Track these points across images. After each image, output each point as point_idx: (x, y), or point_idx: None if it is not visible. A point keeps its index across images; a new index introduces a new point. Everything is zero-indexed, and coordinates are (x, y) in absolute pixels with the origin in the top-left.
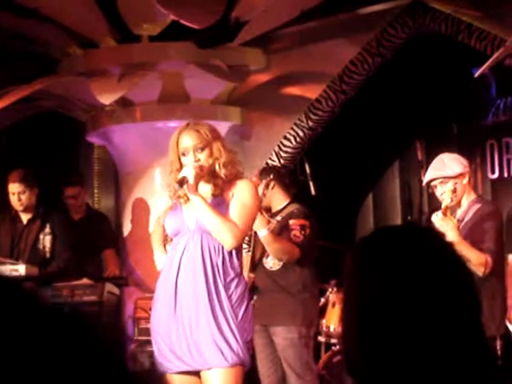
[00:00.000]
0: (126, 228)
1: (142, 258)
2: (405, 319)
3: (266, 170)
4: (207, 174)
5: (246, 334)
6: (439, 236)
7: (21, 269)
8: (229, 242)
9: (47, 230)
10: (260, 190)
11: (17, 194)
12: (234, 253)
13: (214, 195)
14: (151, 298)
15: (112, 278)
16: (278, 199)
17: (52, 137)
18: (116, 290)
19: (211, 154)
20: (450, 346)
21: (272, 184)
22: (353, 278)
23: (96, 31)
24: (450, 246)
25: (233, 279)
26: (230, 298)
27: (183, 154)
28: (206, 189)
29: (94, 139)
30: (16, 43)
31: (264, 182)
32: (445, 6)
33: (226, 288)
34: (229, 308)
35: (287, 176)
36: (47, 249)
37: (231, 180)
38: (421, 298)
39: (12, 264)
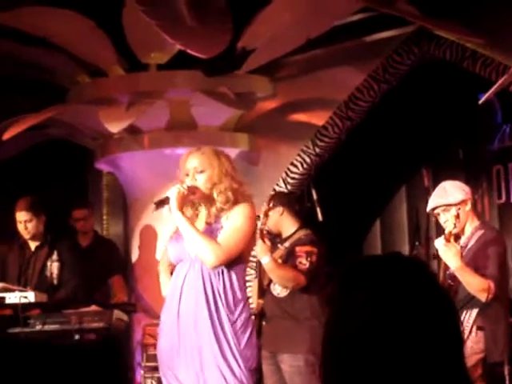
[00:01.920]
0: (135, 254)
1: (150, 284)
2: (383, 349)
3: (276, 196)
4: (203, 198)
5: (249, 361)
6: (423, 266)
7: (30, 296)
8: (209, 261)
9: (55, 256)
10: (260, 216)
11: (23, 222)
12: (234, 278)
13: (206, 223)
14: (159, 325)
15: (120, 305)
16: (288, 225)
17: (61, 164)
18: (124, 317)
19: (210, 179)
20: (429, 377)
21: (281, 210)
22: (334, 306)
23: (104, 60)
24: (432, 277)
25: (236, 305)
26: (233, 324)
27: (187, 175)
28: (201, 215)
29: (102, 166)
30: (25, 72)
31: (263, 209)
32: (449, 34)
33: (229, 314)
34: (232, 334)
35: (297, 202)
36: (55, 275)
37: (231, 207)
38: (400, 328)
39: (21, 291)
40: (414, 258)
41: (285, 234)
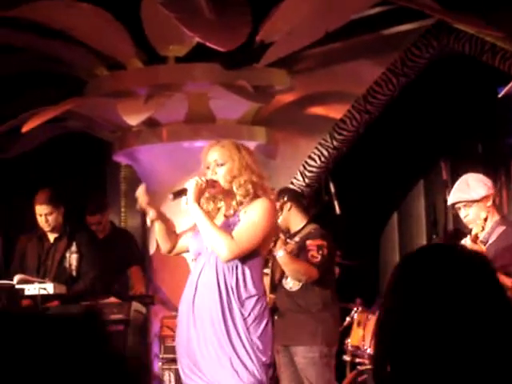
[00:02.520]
0: (152, 247)
1: (168, 276)
2: (439, 337)
3: (283, 192)
4: (223, 192)
5: (262, 355)
6: (482, 259)
7: (49, 287)
8: (223, 254)
9: (73, 248)
10: None
11: (44, 215)
12: (248, 273)
13: (225, 216)
14: (177, 317)
15: (138, 297)
16: (296, 220)
17: (79, 157)
18: (142, 309)
19: (230, 172)
20: (482, 365)
21: (289, 206)
22: (392, 293)
23: (123, 53)
24: (492, 271)
25: (248, 300)
26: (245, 319)
27: (208, 168)
28: (222, 210)
29: (120, 159)
30: (43, 65)
31: (278, 204)
32: (468, 27)
33: (241, 309)
34: (244, 329)
35: (304, 197)
36: (73, 267)
37: (250, 201)
38: (456, 318)
39: (40, 282)
40: (477, 252)
41: (293, 229)
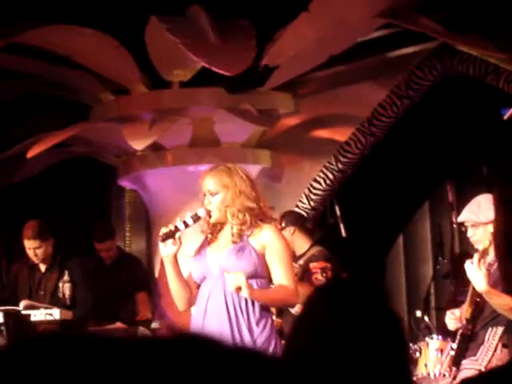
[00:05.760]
0: (158, 271)
1: (173, 301)
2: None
3: (286, 216)
4: (222, 220)
5: None
6: (381, 296)
7: (55, 313)
8: (293, 304)
9: (66, 277)
10: None
11: (32, 249)
12: None
13: (233, 242)
14: None
15: (145, 322)
16: (300, 244)
17: (83, 181)
18: (149, 334)
19: (223, 201)
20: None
21: (292, 229)
22: (300, 326)
23: (128, 78)
24: (387, 309)
25: (258, 323)
26: (255, 342)
27: (204, 195)
28: (226, 233)
29: (125, 183)
30: (49, 90)
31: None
32: (472, 49)
33: (251, 332)
34: None
35: (308, 220)
36: (67, 296)
37: (254, 227)
38: (351, 350)
39: (46, 308)
40: (376, 286)
41: (298, 252)
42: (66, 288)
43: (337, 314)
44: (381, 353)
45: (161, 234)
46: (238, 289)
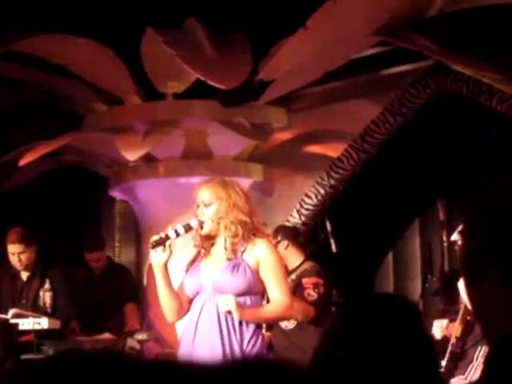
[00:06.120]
0: (146, 281)
1: (161, 312)
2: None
3: (280, 230)
4: (214, 232)
5: None
6: (414, 315)
7: (43, 322)
8: (289, 318)
9: (47, 286)
10: None
11: (17, 254)
12: None
13: (227, 259)
14: (172, 354)
15: (133, 333)
16: (293, 258)
17: (74, 190)
18: (137, 345)
19: (217, 213)
20: None
21: (286, 244)
22: (325, 346)
23: (121, 88)
24: (419, 326)
25: (249, 340)
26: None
27: (198, 207)
28: (219, 246)
29: (116, 194)
30: (42, 99)
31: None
32: (466, 69)
33: (241, 349)
34: None
35: (301, 235)
36: (48, 305)
37: (247, 241)
38: (381, 375)
39: (34, 317)
40: (410, 304)
41: (290, 267)
42: (46, 296)
43: (367, 336)
44: (413, 376)
45: (151, 241)
46: (229, 312)
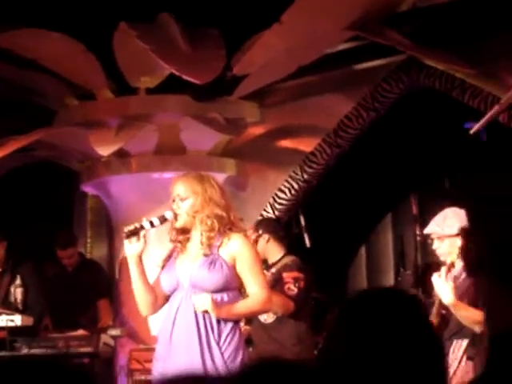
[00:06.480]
0: (118, 276)
1: (135, 308)
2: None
3: (261, 223)
4: (188, 226)
5: None
6: (418, 307)
7: (16, 319)
8: (266, 311)
9: (18, 282)
10: None
11: None
12: None
13: (204, 255)
14: (146, 350)
15: (106, 329)
16: (274, 252)
17: (45, 186)
18: (111, 342)
19: (192, 207)
20: None
21: (267, 237)
22: (331, 337)
23: (93, 83)
24: (422, 314)
25: (226, 336)
26: (223, 353)
27: (173, 201)
28: (194, 242)
29: (88, 189)
30: (13, 93)
31: (252, 236)
32: (439, 63)
33: (219, 344)
34: (221, 362)
35: (282, 229)
36: (19, 301)
37: (222, 236)
38: (384, 365)
39: (8, 314)
40: (412, 295)
41: (271, 261)
42: (17, 292)
43: (372, 327)
44: (419, 367)
45: (125, 230)
46: (206, 311)
